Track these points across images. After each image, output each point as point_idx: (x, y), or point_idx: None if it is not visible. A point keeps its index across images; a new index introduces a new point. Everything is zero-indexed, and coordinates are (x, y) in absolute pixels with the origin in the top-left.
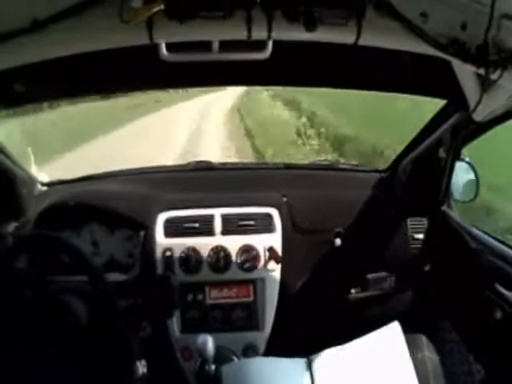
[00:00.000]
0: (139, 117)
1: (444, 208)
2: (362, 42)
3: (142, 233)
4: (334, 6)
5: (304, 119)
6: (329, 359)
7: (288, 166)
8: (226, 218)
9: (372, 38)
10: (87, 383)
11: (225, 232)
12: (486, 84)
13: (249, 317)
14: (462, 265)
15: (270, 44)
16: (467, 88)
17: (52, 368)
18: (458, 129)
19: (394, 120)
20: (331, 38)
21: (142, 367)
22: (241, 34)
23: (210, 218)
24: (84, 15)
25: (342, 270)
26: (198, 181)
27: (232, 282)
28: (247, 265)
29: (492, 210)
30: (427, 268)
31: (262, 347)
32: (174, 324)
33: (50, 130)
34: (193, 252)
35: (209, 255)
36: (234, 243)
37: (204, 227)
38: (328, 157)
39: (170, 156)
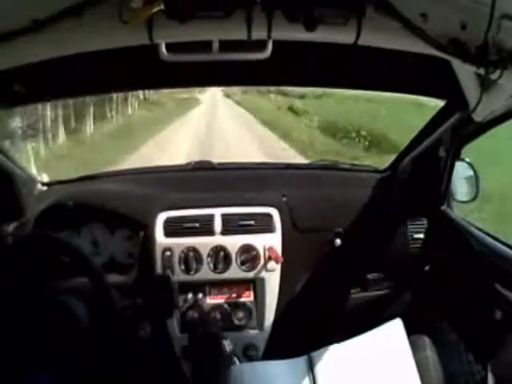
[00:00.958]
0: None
1: (444, 208)
2: (361, 41)
3: (141, 233)
4: (333, 6)
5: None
6: (330, 356)
7: (288, 166)
8: (226, 218)
9: (372, 38)
10: (87, 383)
11: (225, 232)
12: (485, 84)
13: (249, 317)
14: (461, 265)
15: (270, 44)
16: (467, 88)
17: (52, 369)
18: (458, 129)
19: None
20: (331, 37)
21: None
22: (241, 34)
23: (210, 217)
24: (84, 15)
25: (342, 269)
26: (198, 180)
27: (232, 281)
28: (247, 265)
29: None
30: (427, 268)
31: (261, 347)
32: (174, 324)
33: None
34: (193, 252)
35: (209, 255)
36: (234, 243)
37: (204, 227)
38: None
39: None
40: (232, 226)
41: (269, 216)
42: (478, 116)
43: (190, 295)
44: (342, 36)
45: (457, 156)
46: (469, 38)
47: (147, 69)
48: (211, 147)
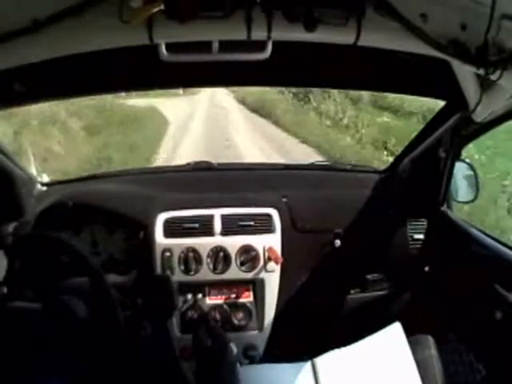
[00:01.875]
0: None
1: (444, 208)
2: (361, 42)
3: (141, 233)
4: (333, 6)
5: None
6: (333, 361)
7: (287, 167)
8: (225, 219)
9: (372, 39)
10: (87, 383)
11: (224, 232)
12: (485, 84)
13: (248, 317)
14: (461, 265)
15: (270, 44)
16: (467, 88)
17: (52, 368)
18: (458, 129)
19: None
20: (331, 38)
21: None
22: (241, 34)
23: (210, 218)
24: (84, 15)
25: (342, 270)
26: (198, 181)
27: (232, 282)
28: (247, 265)
29: None
30: (427, 268)
31: (261, 347)
32: (174, 324)
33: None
34: (192, 252)
35: (208, 255)
36: (233, 243)
37: (204, 227)
38: None
39: None
40: (232, 226)
41: (268, 216)
42: (478, 116)
43: (189, 296)
44: (341, 36)
45: (457, 156)
46: (469, 39)
47: (147, 69)
48: None
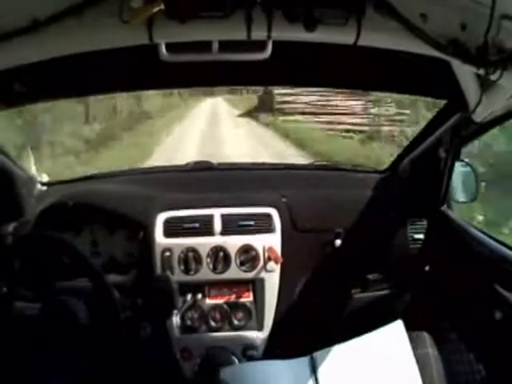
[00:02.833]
0: None
1: (444, 208)
2: (361, 42)
3: (141, 233)
4: (333, 6)
5: None
6: (332, 356)
7: (287, 167)
8: (225, 218)
9: (372, 38)
10: (87, 383)
11: (224, 232)
12: (485, 84)
13: (248, 317)
14: (461, 265)
15: (270, 44)
16: (467, 88)
17: (52, 368)
18: (458, 129)
19: None
20: (331, 38)
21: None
22: (241, 34)
23: (210, 218)
24: (84, 15)
25: (342, 270)
26: (198, 181)
27: (231, 282)
28: (247, 265)
29: None
30: (427, 268)
31: (261, 347)
32: (174, 324)
33: None
34: (192, 252)
35: (208, 255)
36: (233, 243)
37: (203, 227)
38: None
39: None
40: (231, 226)
41: (268, 216)
42: (478, 117)
43: (189, 296)
44: (341, 36)
45: (457, 157)
46: (469, 39)
47: (147, 69)
48: None
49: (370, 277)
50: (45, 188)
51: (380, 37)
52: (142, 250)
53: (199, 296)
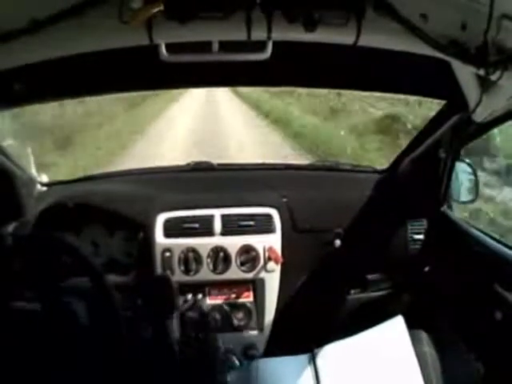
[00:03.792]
0: None
1: (444, 209)
2: (361, 42)
3: (141, 233)
4: (333, 7)
5: None
6: (332, 352)
7: (288, 167)
8: (225, 219)
9: (372, 39)
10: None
11: (224, 232)
12: (485, 85)
13: (248, 317)
14: (461, 265)
15: (270, 44)
16: (467, 89)
17: (52, 369)
18: (458, 129)
19: None
20: (331, 38)
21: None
22: (240, 35)
23: (210, 218)
24: (84, 15)
25: (342, 270)
26: (198, 181)
27: (232, 282)
28: (247, 265)
29: None
30: (427, 269)
31: (261, 347)
32: (174, 324)
33: None
34: (192, 252)
35: (208, 255)
36: (233, 243)
37: (204, 227)
38: None
39: None
40: (232, 226)
41: (268, 216)
42: (478, 117)
43: (189, 296)
44: (341, 36)
45: (457, 157)
46: (469, 39)
47: (147, 69)
48: None
49: (370, 277)
50: (45, 188)
51: (380, 37)
52: (142, 250)
53: (199, 296)
